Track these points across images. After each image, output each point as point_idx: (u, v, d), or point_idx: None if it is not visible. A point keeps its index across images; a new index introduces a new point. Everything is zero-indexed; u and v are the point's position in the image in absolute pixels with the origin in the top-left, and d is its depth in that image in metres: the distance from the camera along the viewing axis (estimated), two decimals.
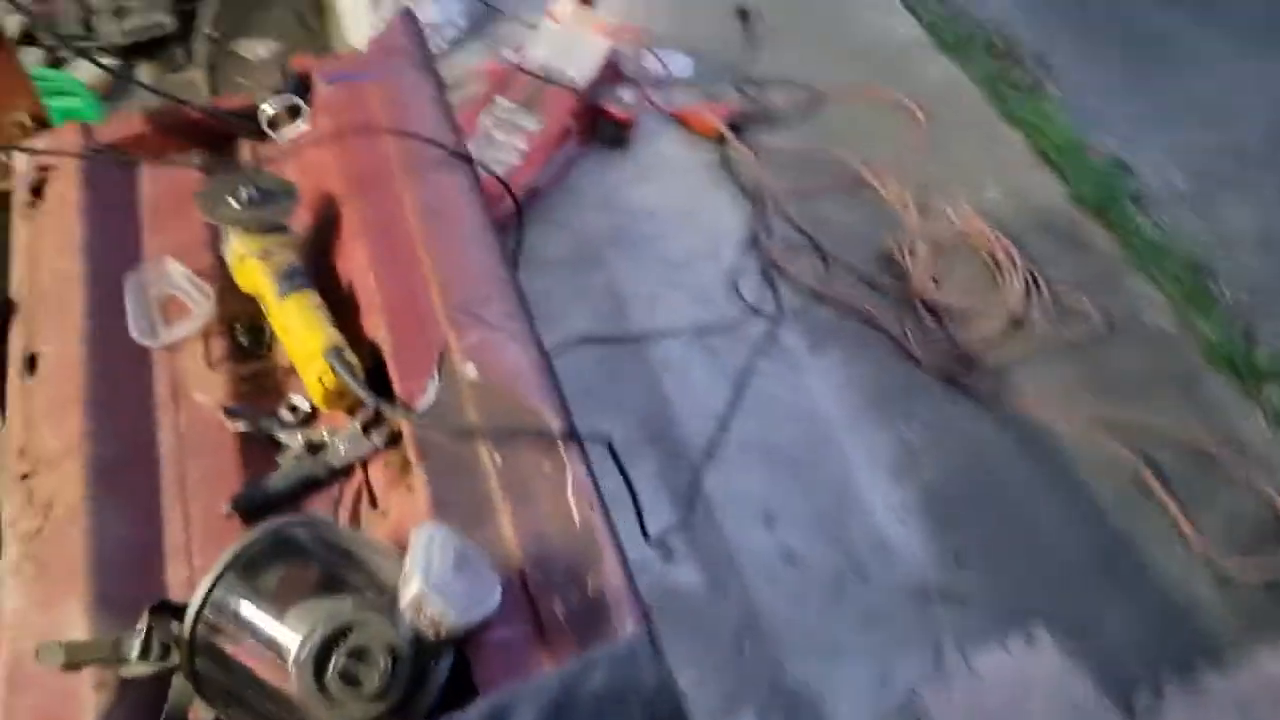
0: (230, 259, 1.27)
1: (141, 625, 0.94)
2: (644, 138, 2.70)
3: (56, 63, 2.91)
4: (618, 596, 0.98)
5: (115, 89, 2.89)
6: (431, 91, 1.52)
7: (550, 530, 1.03)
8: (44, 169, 1.41)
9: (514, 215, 2.36)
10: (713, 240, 2.43)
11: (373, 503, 1.13)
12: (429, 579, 0.87)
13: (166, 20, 2.98)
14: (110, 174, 1.44)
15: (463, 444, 1.08)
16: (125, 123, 1.51)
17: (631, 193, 2.55)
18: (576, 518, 1.04)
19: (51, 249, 1.33)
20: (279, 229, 1.28)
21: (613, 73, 2.67)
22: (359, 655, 0.85)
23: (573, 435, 1.11)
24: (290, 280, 1.22)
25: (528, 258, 2.40)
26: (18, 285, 1.30)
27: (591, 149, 2.64)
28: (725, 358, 2.17)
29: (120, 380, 1.21)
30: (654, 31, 2.98)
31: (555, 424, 1.11)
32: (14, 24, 3.00)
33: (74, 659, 0.93)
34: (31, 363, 1.20)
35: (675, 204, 2.52)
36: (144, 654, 0.93)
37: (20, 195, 1.40)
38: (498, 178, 1.63)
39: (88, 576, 1.01)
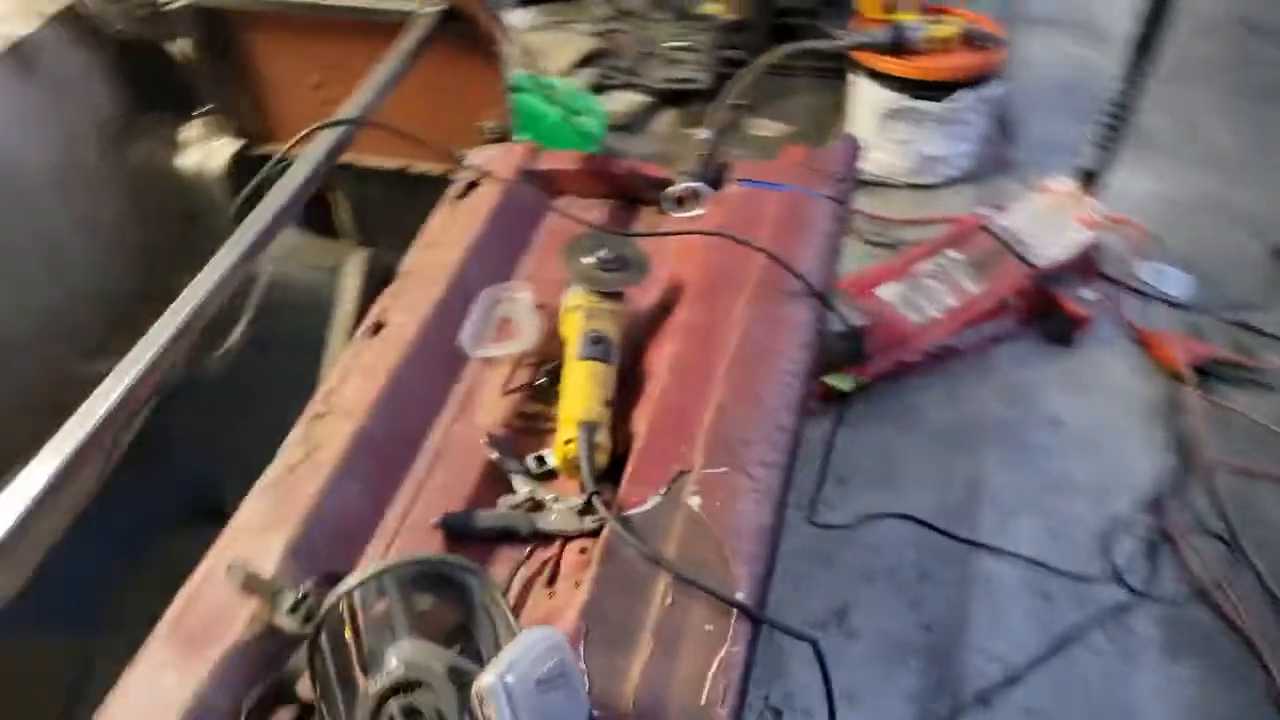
0: (563, 306, 1.35)
1: (305, 587, 1.03)
2: (1091, 343, 2.45)
3: (600, 88, 3.29)
4: None
5: (634, 124, 3.21)
6: (828, 224, 1.50)
7: (673, 695, 0.96)
8: (483, 173, 1.59)
9: (904, 366, 2.28)
10: (1111, 481, 2.14)
11: (550, 580, 1.13)
12: (503, 678, 0.86)
13: (703, 77, 3.24)
14: (529, 196, 1.59)
15: (647, 568, 1.06)
16: (564, 157, 1.66)
17: (1047, 394, 2.33)
18: (704, 696, 0.96)
19: (448, 240, 1.50)
20: (615, 296, 1.33)
21: (1086, 266, 2.46)
22: (411, 713, 0.86)
23: (754, 616, 1.03)
24: (593, 346, 1.26)
25: (905, 415, 2.29)
26: (408, 260, 1.48)
27: (1028, 333, 2.46)
28: (1056, 608, 1.90)
29: (430, 374, 1.34)
30: (1159, 239, 2.70)
31: (740, 596, 1.03)
32: (587, 44, 3.45)
33: (248, 586, 1.04)
34: (378, 328, 1.37)
35: (1089, 426, 2.26)
36: (292, 611, 1.01)
37: (455, 189, 1.60)
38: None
39: (302, 522, 1.12)
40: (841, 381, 2.21)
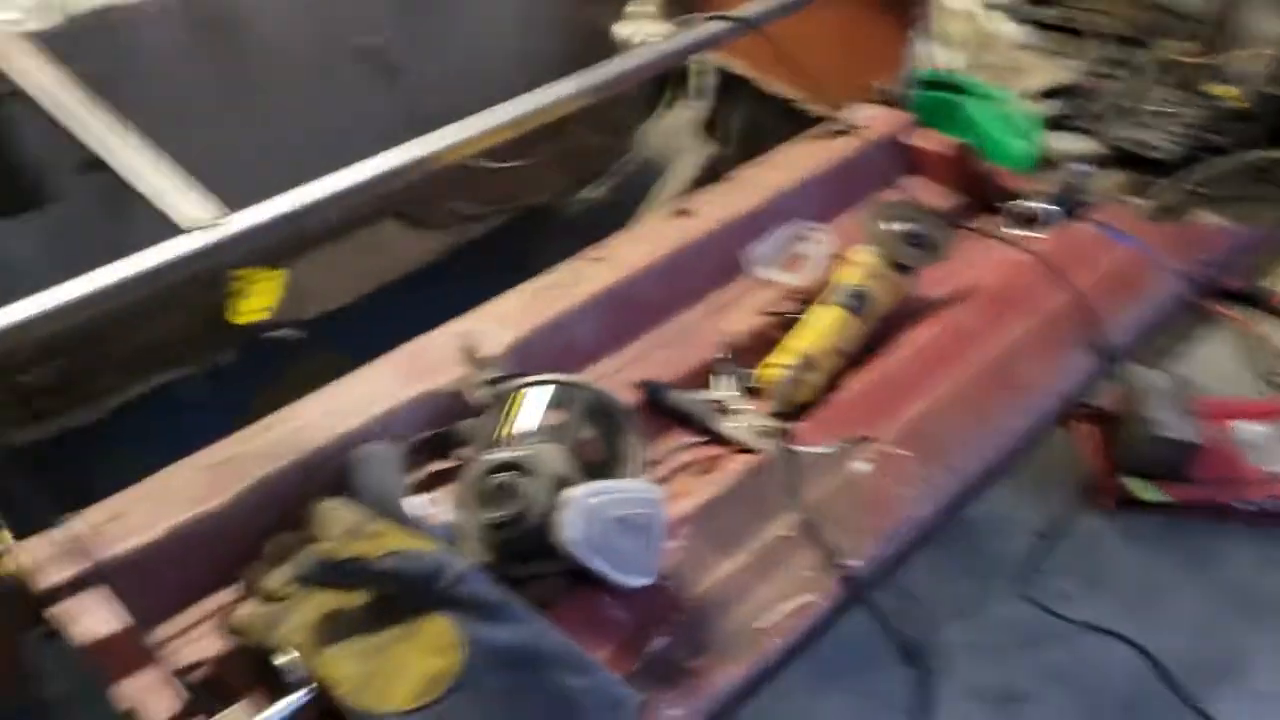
0: (849, 255, 1.37)
1: (503, 371, 1.17)
2: None
3: (1055, 124, 3.14)
4: (702, 700, 0.93)
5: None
6: (1163, 298, 1.39)
7: (739, 606, 1.00)
8: (853, 126, 1.63)
9: (1226, 508, 2.02)
10: None
11: (701, 474, 1.19)
12: (587, 499, 0.94)
13: (1169, 150, 2.99)
14: (883, 162, 1.61)
15: (784, 499, 1.08)
16: (936, 139, 1.65)
17: None
18: (765, 622, 0.99)
19: (787, 166, 1.56)
20: (900, 268, 1.33)
21: None
22: (508, 489, 0.96)
23: (854, 588, 1.03)
24: (846, 298, 1.28)
25: (1200, 553, 2.04)
26: (743, 169, 1.57)
27: None
28: None
29: (705, 266, 1.42)
30: None
31: (855, 565, 1.03)
32: (1064, 77, 3.29)
33: (466, 354, 1.19)
34: (684, 212, 1.46)
35: None
36: (485, 385, 1.16)
37: (821, 128, 1.65)
38: None
39: (533, 329, 1.25)
40: (1144, 489, 2.01)
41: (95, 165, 1.16)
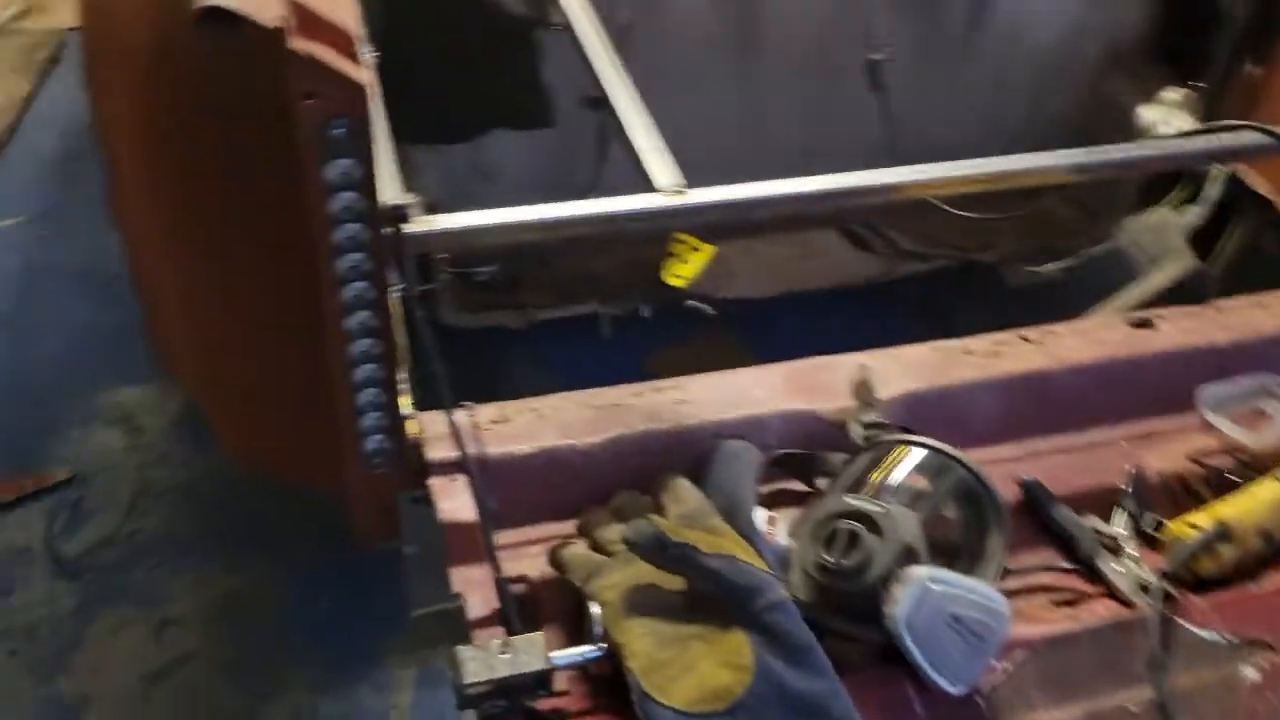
0: None
1: (881, 417, 1.13)
2: None
3: None
4: None
5: None
6: None
7: None
8: None
9: None
10: None
11: (1060, 605, 1.08)
12: (930, 583, 0.88)
13: None
14: None
15: (1142, 673, 0.96)
16: None
17: None
18: None
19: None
20: None
21: None
22: (851, 537, 0.93)
23: None
24: None
25: None
26: (1233, 302, 1.39)
27: None
28: None
29: (1151, 386, 1.27)
30: None
31: None
32: None
33: (857, 388, 1.17)
34: (1143, 324, 1.33)
35: None
36: (863, 426, 1.12)
37: None
38: None
39: (932, 387, 1.20)
40: None
41: (598, 105, 1.26)
